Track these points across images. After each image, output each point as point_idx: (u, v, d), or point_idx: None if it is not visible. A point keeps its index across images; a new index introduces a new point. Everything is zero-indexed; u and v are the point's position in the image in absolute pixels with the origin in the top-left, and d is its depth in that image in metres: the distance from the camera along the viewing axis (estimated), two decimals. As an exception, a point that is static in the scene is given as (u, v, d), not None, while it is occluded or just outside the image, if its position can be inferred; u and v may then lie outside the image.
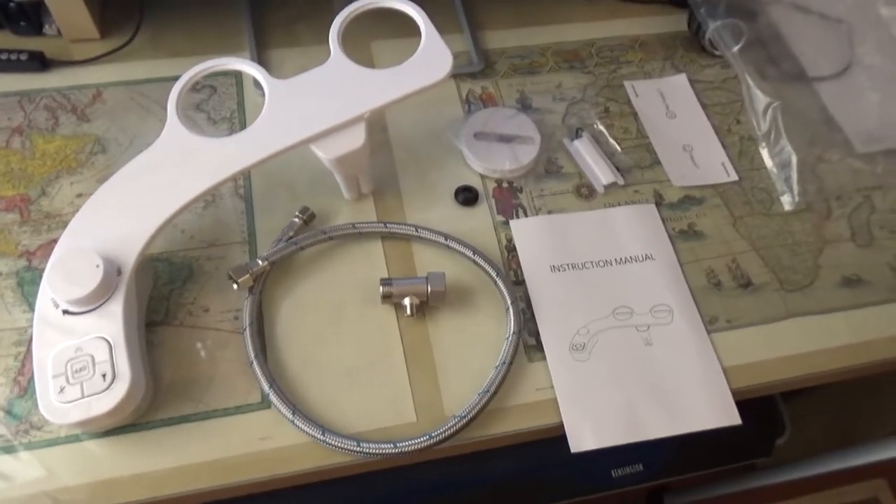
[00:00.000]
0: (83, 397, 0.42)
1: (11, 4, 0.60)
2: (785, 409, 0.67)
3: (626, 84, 0.67)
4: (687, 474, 0.63)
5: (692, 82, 0.68)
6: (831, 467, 0.64)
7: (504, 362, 0.49)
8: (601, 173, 0.60)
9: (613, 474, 0.60)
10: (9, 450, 0.44)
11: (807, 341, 0.53)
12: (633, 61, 0.69)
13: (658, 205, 0.59)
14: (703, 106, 0.66)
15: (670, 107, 0.66)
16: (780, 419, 0.64)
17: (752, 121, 0.64)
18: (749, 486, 0.71)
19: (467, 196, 0.58)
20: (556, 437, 0.48)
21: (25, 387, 0.46)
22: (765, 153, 0.63)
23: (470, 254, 0.53)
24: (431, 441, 0.46)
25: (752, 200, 0.60)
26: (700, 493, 0.79)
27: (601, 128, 0.63)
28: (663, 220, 0.58)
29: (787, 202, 0.60)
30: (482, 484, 0.60)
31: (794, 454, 0.68)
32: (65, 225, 0.48)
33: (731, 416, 0.50)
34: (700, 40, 0.69)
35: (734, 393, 0.51)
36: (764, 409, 0.64)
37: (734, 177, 0.61)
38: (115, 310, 0.44)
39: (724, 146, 0.63)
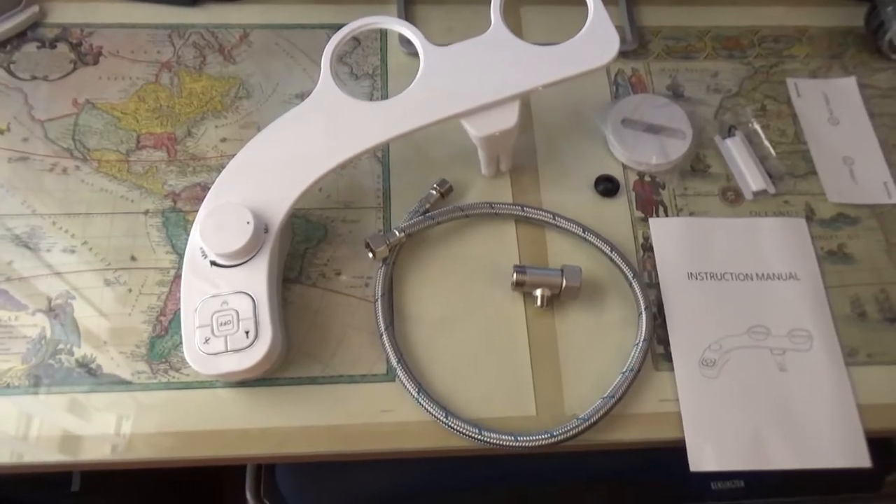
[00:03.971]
0: (226, 351, 0.43)
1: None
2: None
3: (789, 81, 0.62)
4: (788, 497, 0.61)
5: (861, 87, 0.62)
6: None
7: (632, 369, 0.48)
8: (752, 179, 0.56)
9: (713, 486, 0.59)
10: (148, 387, 0.46)
11: (953, 389, 0.50)
12: (797, 56, 0.63)
13: (808, 219, 0.55)
14: (871, 115, 0.61)
15: (834, 112, 0.61)
16: (894, 454, 0.61)
17: (925, 138, 0.59)
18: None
19: (608, 187, 0.55)
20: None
21: (167, 327, 0.48)
22: (935, 177, 0.58)
23: (607, 250, 0.51)
24: (552, 440, 0.45)
25: (912, 228, 0.56)
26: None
27: (756, 127, 0.59)
28: (812, 238, 0.55)
29: (952, 235, 0.55)
30: (576, 478, 0.59)
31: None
32: (209, 169, 0.49)
33: (860, 458, 0.48)
34: (878, 40, 0.63)
35: (867, 433, 0.48)
36: (878, 441, 0.61)
37: (896, 199, 0.57)
38: (261, 267, 0.45)
39: (888, 164, 0.58)
